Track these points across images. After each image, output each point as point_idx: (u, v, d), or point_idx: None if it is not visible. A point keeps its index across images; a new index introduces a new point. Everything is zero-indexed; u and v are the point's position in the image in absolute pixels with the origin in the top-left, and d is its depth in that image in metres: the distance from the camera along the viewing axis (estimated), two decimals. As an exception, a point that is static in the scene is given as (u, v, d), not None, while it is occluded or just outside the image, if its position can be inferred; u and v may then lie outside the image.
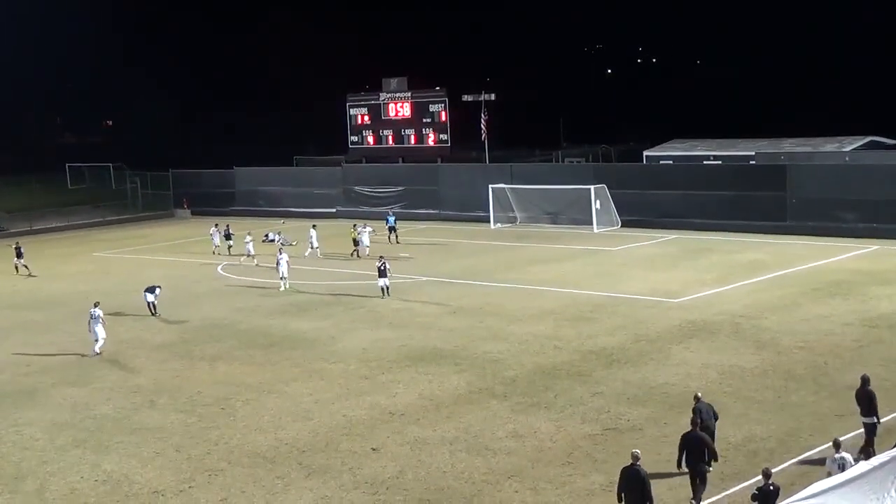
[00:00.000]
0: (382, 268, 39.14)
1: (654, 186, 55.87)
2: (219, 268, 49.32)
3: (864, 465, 16.28)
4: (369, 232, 50.53)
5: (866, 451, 17.93)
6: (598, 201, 55.44)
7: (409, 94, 71.88)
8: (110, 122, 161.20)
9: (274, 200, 72.70)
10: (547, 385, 26.59)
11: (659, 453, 20.85)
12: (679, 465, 18.86)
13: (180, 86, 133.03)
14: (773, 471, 17.44)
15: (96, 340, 32.47)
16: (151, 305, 38.15)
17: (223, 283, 45.32)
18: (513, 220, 59.81)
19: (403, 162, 71.38)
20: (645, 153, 69.26)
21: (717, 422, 20.52)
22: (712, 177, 55.24)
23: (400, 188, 66.76)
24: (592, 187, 55.61)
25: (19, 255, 50.49)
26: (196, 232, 64.10)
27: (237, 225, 57.62)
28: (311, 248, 50.50)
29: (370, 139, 74.65)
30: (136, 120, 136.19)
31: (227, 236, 54.72)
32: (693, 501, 18.68)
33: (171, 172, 79.62)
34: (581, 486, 20.07)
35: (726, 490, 19.20)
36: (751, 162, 60.00)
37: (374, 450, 22.56)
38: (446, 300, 38.20)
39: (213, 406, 26.40)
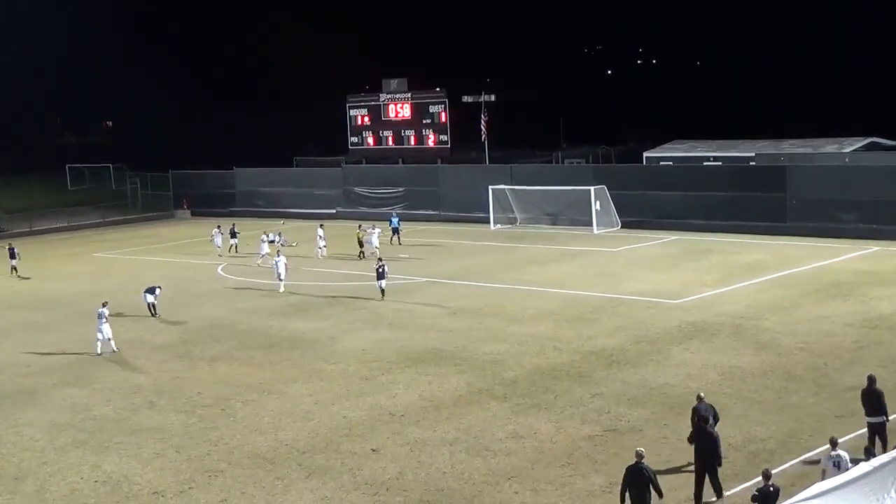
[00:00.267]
0: (381, 270, 39.12)
1: (654, 187, 55.88)
2: (219, 268, 49.33)
3: (864, 466, 16.28)
4: (378, 233, 50.60)
5: (868, 451, 17.96)
6: (598, 202, 55.45)
7: (409, 95, 71.88)
8: (110, 123, 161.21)
9: (274, 201, 72.72)
10: (547, 386, 26.59)
11: (659, 454, 20.85)
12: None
13: (180, 86, 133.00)
14: (773, 472, 17.49)
15: (102, 340, 32.61)
16: (151, 306, 38.15)
17: (223, 283, 45.33)
18: (513, 221, 59.81)
19: (403, 163, 71.38)
20: (645, 154, 69.28)
21: (718, 423, 20.50)
22: (712, 178, 55.23)
23: (400, 189, 66.78)
24: (592, 188, 55.61)
25: (13, 257, 50.44)
26: (196, 233, 64.12)
27: (238, 226, 57.54)
28: (319, 247, 50.55)
29: (370, 140, 74.65)
30: (135, 120, 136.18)
31: (233, 234, 54.87)
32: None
33: (171, 173, 79.67)
34: (581, 487, 20.07)
35: (726, 491, 19.18)
36: (751, 163, 60.01)
37: (373, 451, 22.56)
38: (446, 301, 38.20)
39: (214, 407, 26.41)
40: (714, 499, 18.98)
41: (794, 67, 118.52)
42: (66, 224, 72.64)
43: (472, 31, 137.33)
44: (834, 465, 17.48)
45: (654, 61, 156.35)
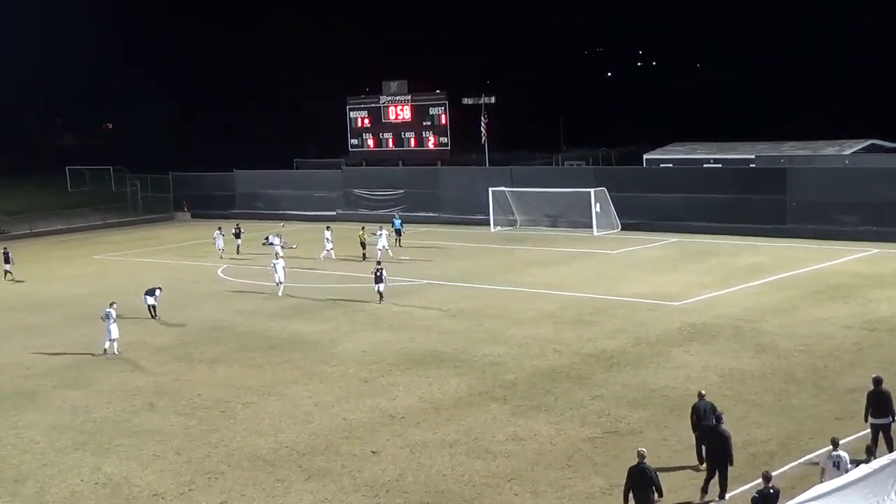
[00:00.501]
0: (379, 273, 39.01)
1: (654, 189, 55.88)
2: (219, 270, 49.33)
3: (864, 469, 16.30)
4: (385, 235, 50.62)
5: (870, 451, 18.00)
6: (598, 204, 55.46)
7: (409, 98, 71.90)
8: (110, 125, 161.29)
9: (274, 203, 72.73)
10: (547, 388, 26.60)
11: (659, 456, 20.86)
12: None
13: (180, 86, 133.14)
14: (773, 474, 17.50)
15: (111, 340, 32.72)
16: (151, 308, 38.13)
17: (223, 285, 45.33)
18: (513, 223, 59.82)
19: (403, 165, 71.40)
20: (645, 156, 69.28)
21: (719, 422, 20.48)
22: (712, 180, 55.23)
23: (400, 191, 66.81)
24: (592, 190, 55.63)
25: (7, 261, 50.32)
26: (196, 235, 64.14)
27: (241, 226, 57.59)
28: (326, 249, 50.60)
29: (370, 142, 74.67)
30: (135, 120, 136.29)
31: (238, 234, 54.92)
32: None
33: (171, 175, 79.65)
34: (581, 489, 20.08)
35: (727, 493, 19.20)
36: (751, 165, 60.02)
37: (374, 453, 22.57)
38: (446, 303, 38.20)
39: (213, 409, 26.41)
40: (716, 499, 19.01)
41: (794, 67, 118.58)
42: (66, 226, 72.64)
43: (472, 33, 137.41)
44: (834, 465, 17.55)
45: (653, 63, 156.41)
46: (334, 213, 68.21)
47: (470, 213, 61.76)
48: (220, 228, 55.32)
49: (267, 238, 56.66)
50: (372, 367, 29.64)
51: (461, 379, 27.87)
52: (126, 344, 33.66)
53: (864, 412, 20.71)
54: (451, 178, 65.59)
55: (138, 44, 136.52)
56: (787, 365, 27.59)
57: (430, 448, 22.67)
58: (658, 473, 17.87)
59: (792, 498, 16.03)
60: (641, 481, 17.54)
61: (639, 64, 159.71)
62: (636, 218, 55.32)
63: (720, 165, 61.56)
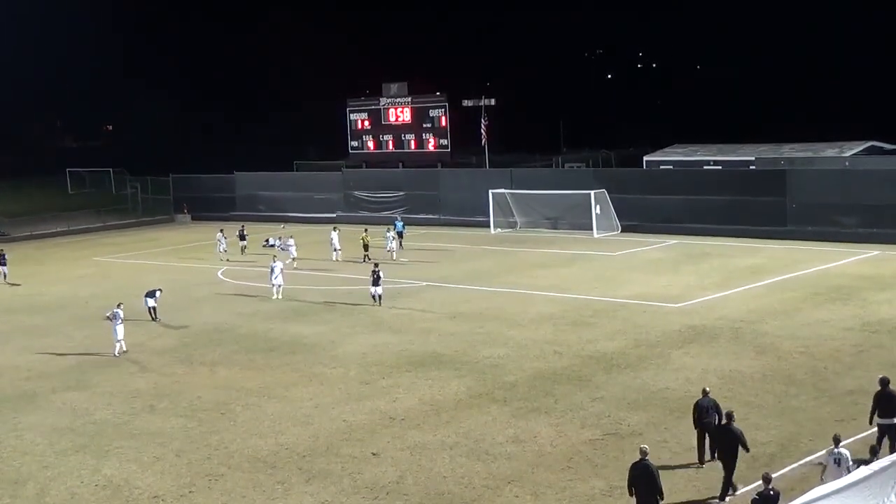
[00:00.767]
0: (376, 276, 38.92)
1: (655, 191, 55.90)
2: (219, 273, 49.34)
3: (864, 470, 16.31)
4: (392, 238, 50.74)
5: (874, 450, 18.02)
6: (598, 206, 55.47)
7: (410, 100, 71.86)
8: (110, 127, 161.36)
9: (274, 205, 72.77)
10: (547, 390, 26.60)
11: (659, 458, 20.83)
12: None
13: (180, 87, 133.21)
14: (773, 476, 17.50)
15: (118, 341, 32.87)
16: (152, 310, 38.14)
17: (223, 287, 45.34)
18: (513, 225, 59.83)
19: (404, 167, 71.41)
20: (645, 158, 69.30)
21: (720, 419, 20.49)
22: (712, 182, 55.25)
23: (400, 193, 66.89)
24: (592, 192, 55.63)
25: (2, 263, 50.28)
26: (197, 237, 64.18)
27: (235, 229, 57.60)
28: (334, 251, 50.62)
29: (370, 144, 74.64)
30: (136, 121, 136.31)
31: (242, 237, 55.01)
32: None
33: (172, 177, 79.71)
34: (581, 490, 20.08)
35: (727, 495, 19.20)
36: (751, 167, 60.03)
37: (374, 454, 22.57)
38: (446, 305, 38.21)
39: (214, 411, 26.41)
40: (717, 499, 19.05)
41: (794, 68, 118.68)
42: (66, 228, 72.68)
43: (472, 35, 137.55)
44: (835, 462, 17.60)
45: (653, 65, 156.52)
46: (335, 214, 68.24)
47: (470, 214, 61.78)
48: (222, 231, 55.34)
49: (267, 240, 56.76)
50: (372, 369, 29.64)
51: (461, 381, 27.87)
52: (126, 346, 33.63)
53: (869, 414, 20.69)
54: (452, 180, 65.64)
55: (138, 45, 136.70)
56: (787, 367, 27.58)
57: (430, 450, 22.67)
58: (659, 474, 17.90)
59: (792, 500, 16.04)
60: (644, 478, 17.57)
61: (639, 65, 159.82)
62: (636, 220, 55.33)
63: (720, 167, 61.58)
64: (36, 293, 46.45)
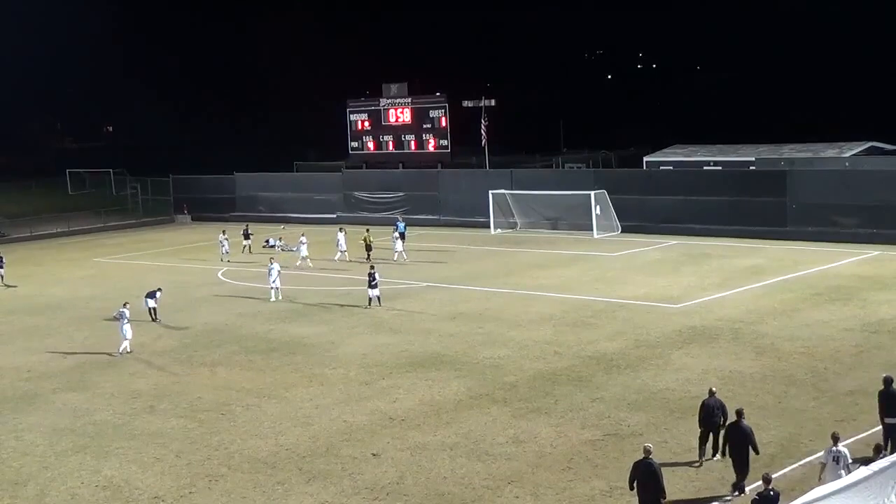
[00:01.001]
0: (373, 279, 38.79)
1: (655, 192, 55.90)
2: (219, 273, 49.34)
3: (864, 471, 16.31)
4: (395, 237, 50.78)
5: (879, 449, 18.03)
6: (598, 207, 55.47)
7: (410, 100, 71.84)
8: (111, 128, 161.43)
9: (274, 206, 72.79)
10: (547, 390, 26.61)
11: (659, 459, 20.78)
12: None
13: (180, 88, 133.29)
14: (773, 476, 17.50)
15: (126, 340, 32.98)
16: (152, 311, 38.14)
17: (224, 288, 45.34)
18: (513, 226, 59.84)
19: (404, 167, 71.41)
20: (645, 159, 69.26)
21: (726, 420, 20.51)
22: (712, 182, 55.26)
23: (400, 194, 66.91)
24: (592, 193, 55.63)
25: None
26: (197, 238, 64.19)
27: (237, 230, 57.61)
28: (340, 251, 50.64)
29: (370, 145, 74.62)
30: (136, 122, 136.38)
31: (247, 236, 55.05)
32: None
33: (172, 178, 79.72)
34: (581, 491, 20.08)
35: (727, 496, 19.21)
36: (751, 167, 60.00)
37: (374, 455, 22.58)
38: (446, 305, 38.21)
39: (214, 411, 26.42)
40: (719, 498, 19.08)
41: (794, 69, 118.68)
42: (66, 229, 72.69)
43: (472, 35, 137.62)
44: (834, 461, 17.63)
45: (653, 65, 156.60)
46: (335, 215, 68.27)
47: (470, 215, 61.79)
48: (224, 232, 55.33)
49: (267, 241, 56.83)
50: (372, 369, 29.65)
51: (461, 381, 27.87)
52: (130, 346, 33.64)
53: (878, 413, 20.70)
54: (452, 181, 65.66)
55: (138, 45, 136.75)
56: (787, 367, 27.59)
57: (430, 450, 22.68)
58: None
59: (792, 500, 16.05)
60: (646, 477, 17.58)
61: (639, 66, 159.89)
62: (636, 220, 55.32)
63: (720, 168, 61.54)
64: (36, 294, 46.45)
